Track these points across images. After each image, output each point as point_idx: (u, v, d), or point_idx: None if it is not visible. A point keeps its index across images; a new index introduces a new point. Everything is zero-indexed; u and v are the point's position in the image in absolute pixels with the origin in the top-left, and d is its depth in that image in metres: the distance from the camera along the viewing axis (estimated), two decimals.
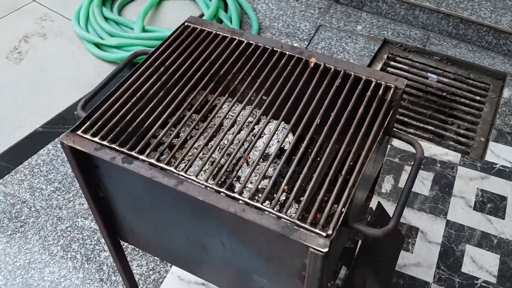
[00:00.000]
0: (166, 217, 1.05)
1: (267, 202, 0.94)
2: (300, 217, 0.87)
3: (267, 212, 0.89)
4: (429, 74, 2.52)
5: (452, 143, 2.22)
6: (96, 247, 1.84)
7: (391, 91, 1.09)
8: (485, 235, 1.86)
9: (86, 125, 1.03)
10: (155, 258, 1.80)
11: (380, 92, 1.08)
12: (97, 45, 2.61)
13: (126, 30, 2.69)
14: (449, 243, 1.84)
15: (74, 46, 2.67)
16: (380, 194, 2.00)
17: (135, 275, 1.76)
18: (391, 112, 1.06)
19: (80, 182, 1.08)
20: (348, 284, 1.26)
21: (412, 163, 2.10)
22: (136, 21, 2.66)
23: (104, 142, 1.00)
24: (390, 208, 1.92)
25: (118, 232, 1.26)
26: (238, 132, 1.04)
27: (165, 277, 1.76)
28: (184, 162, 1.04)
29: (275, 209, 0.89)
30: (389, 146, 2.17)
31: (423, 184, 2.03)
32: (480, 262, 1.78)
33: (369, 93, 1.08)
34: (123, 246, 1.81)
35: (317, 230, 0.85)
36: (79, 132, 1.02)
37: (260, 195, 0.97)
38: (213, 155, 1.09)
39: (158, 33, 2.57)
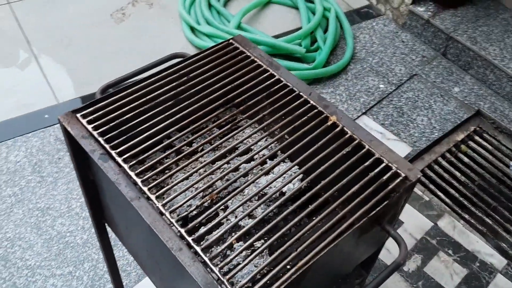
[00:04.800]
0: (128, 221, 1.05)
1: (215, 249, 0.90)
2: (229, 279, 0.82)
3: (202, 260, 0.84)
4: (511, 163, 2.26)
5: (504, 245, 1.98)
6: None
7: (398, 179, 0.98)
8: None
9: (88, 110, 1.05)
10: None
11: (385, 177, 0.98)
12: (192, 29, 2.68)
13: (224, 22, 2.73)
14: None
15: (172, 23, 2.77)
16: (401, 271, 1.84)
17: (125, 260, 1.80)
18: (387, 202, 0.95)
19: (73, 161, 1.11)
20: None
21: (449, 251, 1.91)
22: (235, 15, 2.69)
23: (94, 132, 1.01)
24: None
25: (104, 216, 1.28)
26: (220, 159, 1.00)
27: None
28: (156, 178, 1.02)
29: (213, 261, 0.85)
30: (432, 224, 1.99)
31: (452, 278, 1.83)
32: None
33: (372, 173, 0.98)
34: None
35: None
36: (78, 115, 1.04)
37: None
38: (190, 180, 1.05)
39: (248, 33, 2.58)
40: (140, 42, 2.63)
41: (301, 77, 2.41)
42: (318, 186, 0.96)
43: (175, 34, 2.70)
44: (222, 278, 0.82)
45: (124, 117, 1.05)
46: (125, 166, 0.96)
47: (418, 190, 2.11)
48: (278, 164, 1.02)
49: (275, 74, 1.16)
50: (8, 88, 2.32)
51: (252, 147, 1.13)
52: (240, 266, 0.84)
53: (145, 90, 1.10)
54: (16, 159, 2.05)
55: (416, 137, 2.32)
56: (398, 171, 0.99)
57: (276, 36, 2.68)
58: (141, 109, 1.07)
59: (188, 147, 1.07)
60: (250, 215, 1.01)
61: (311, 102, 1.11)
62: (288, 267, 0.85)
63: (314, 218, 0.93)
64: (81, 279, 1.73)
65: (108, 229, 1.33)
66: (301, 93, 1.12)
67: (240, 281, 0.83)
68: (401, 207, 1.06)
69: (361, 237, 0.99)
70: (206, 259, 0.84)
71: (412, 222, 1.99)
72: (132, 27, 2.71)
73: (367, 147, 1.03)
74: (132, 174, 0.95)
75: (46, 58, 2.48)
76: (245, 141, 1.13)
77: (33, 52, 2.50)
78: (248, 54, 1.21)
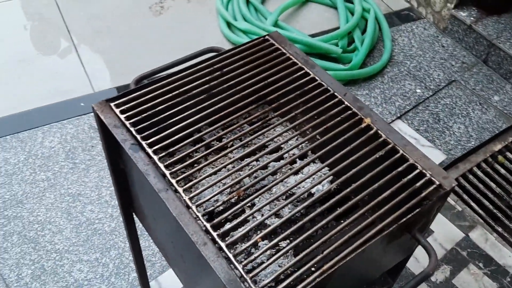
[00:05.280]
0: (155, 212, 1.06)
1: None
2: (253, 277, 0.81)
3: (225, 256, 0.83)
4: None
5: None
6: None
7: (432, 187, 0.94)
8: None
9: (121, 100, 1.06)
10: None
11: (418, 184, 0.95)
12: (229, 24, 2.68)
13: (261, 19, 2.72)
14: None
15: (209, 18, 2.78)
16: (428, 281, 1.79)
17: (151, 251, 1.81)
18: (419, 210, 0.92)
19: (104, 150, 1.12)
20: None
21: (480, 263, 1.84)
22: (272, 13, 2.68)
23: (126, 122, 1.02)
24: None
25: (133, 205, 1.29)
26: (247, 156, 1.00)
27: None
28: (184, 171, 1.01)
29: (237, 258, 0.84)
30: (463, 235, 1.93)
31: None
32: None
33: (405, 179, 0.96)
34: None
35: None
36: (112, 104, 1.05)
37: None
38: (218, 175, 1.04)
39: (285, 31, 2.56)
40: (176, 35, 2.64)
41: (336, 77, 2.38)
42: (348, 189, 0.94)
43: (211, 29, 2.71)
44: (245, 276, 0.81)
45: (156, 109, 1.05)
46: (155, 157, 0.96)
47: (450, 199, 2.05)
48: (308, 164, 1.01)
49: (310, 72, 1.15)
50: (48, 75, 2.38)
51: (282, 145, 1.11)
52: (264, 265, 0.83)
53: (178, 83, 1.10)
54: (51, 144, 2.09)
55: (451, 145, 2.25)
56: (432, 178, 0.96)
57: (313, 35, 2.65)
58: (173, 101, 1.07)
59: (217, 142, 1.06)
60: (276, 214, 1.00)
61: (346, 102, 1.08)
62: (313, 269, 0.83)
63: (342, 221, 0.91)
64: (106, 266, 1.75)
65: (136, 218, 1.34)
66: (335, 93, 1.10)
67: (263, 280, 0.82)
68: (433, 216, 1.02)
69: (389, 244, 0.96)
70: (230, 255, 0.83)
71: (443, 231, 1.94)
72: (169, 20, 2.73)
73: (401, 152, 1.00)
74: (161, 165, 0.95)
75: (84, 47, 2.53)
76: (275, 139, 1.12)
77: (73, 41, 2.55)
78: (284, 51, 1.19)
